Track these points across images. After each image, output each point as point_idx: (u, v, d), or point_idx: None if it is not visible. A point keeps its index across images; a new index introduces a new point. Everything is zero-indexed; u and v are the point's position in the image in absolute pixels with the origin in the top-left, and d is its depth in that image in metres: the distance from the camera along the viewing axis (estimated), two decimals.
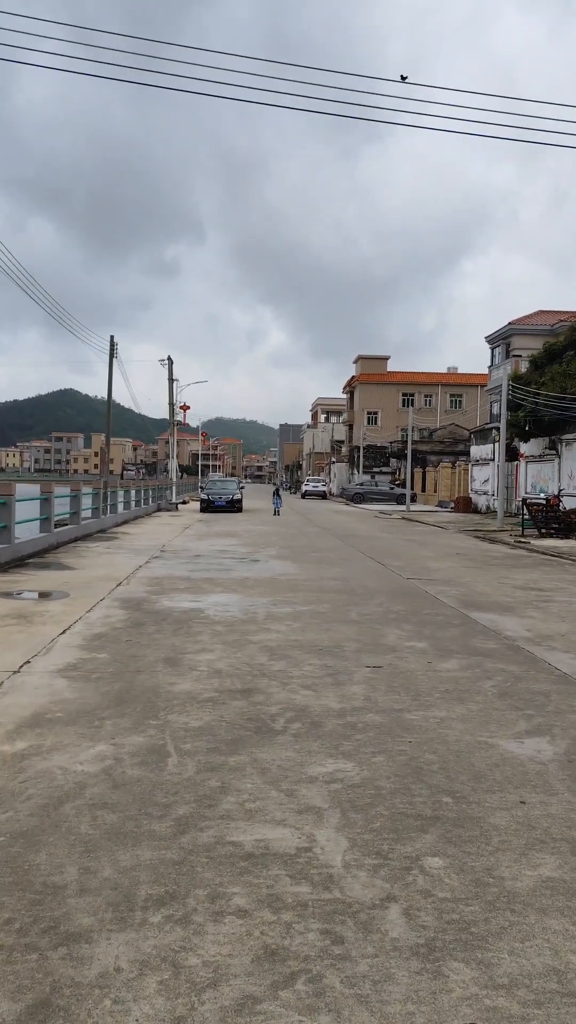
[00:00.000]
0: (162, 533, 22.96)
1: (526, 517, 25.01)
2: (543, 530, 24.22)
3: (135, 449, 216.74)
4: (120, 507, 28.40)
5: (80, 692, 5.93)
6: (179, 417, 48.99)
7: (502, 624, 9.20)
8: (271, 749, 4.72)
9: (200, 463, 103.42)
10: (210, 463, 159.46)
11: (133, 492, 31.47)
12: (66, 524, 20.13)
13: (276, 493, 36.54)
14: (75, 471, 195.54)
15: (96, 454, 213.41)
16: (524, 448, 34.70)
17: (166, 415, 52.41)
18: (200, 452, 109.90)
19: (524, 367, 38.12)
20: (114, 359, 33.66)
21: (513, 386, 29.11)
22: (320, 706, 5.66)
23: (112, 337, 33.85)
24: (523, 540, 22.04)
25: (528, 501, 25.63)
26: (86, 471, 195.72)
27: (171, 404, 49.14)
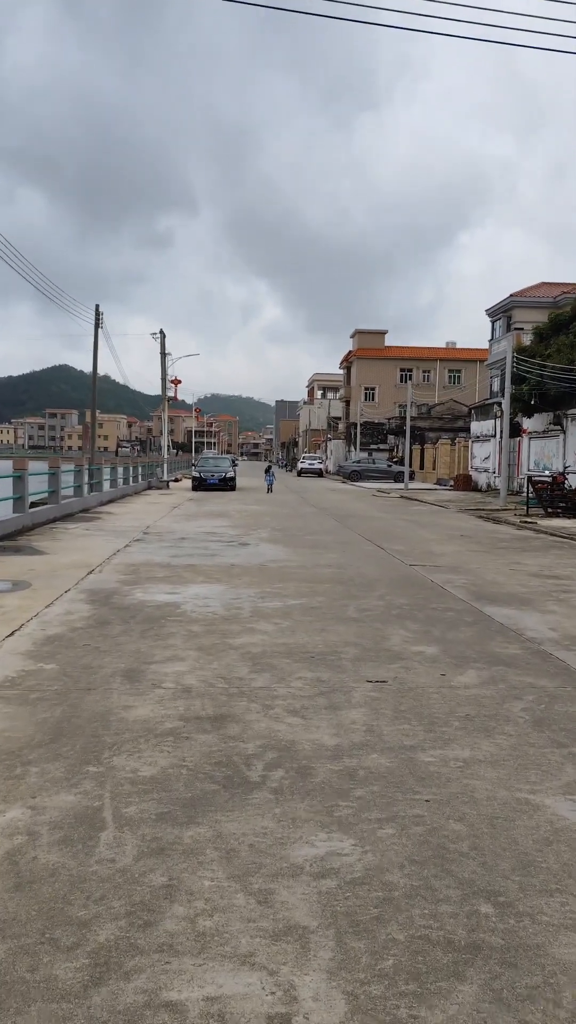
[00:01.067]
0: (148, 513, 21.73)
1: (531, 496, 23.82)
2: (549, 509, 23.04)
3: (130, 426, 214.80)
4: (106, 485, 27.14)
5: (9, 721, 4.73)
6: (170, 393, 47.54)
7: (522, 621, 8.01)
8: (243, 815, 3.52)
9: (194, 440, 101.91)
10: (204, 440, 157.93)
11: (120, 469, 30.18)
12: (45, 504, 18.89)
13: (268, 470, 36.54)
14: (69, 448, 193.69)
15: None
16: (527, 424, 33.42)
17: (160, 391, 50.97)
18: (194, 429, 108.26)
19: (527, 340, 36.73)
20: (99, 329, 32.22)
21: (518, 358, 27.78)
22: (310, 742, 4.47)
23: (97, 307, 32.40)
24: (529, 520, 20.86)
25: (533, 479, 24.43)
26: (80, 448, 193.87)
27: (163, 378, 47.69)
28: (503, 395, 36.98)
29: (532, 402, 27.50)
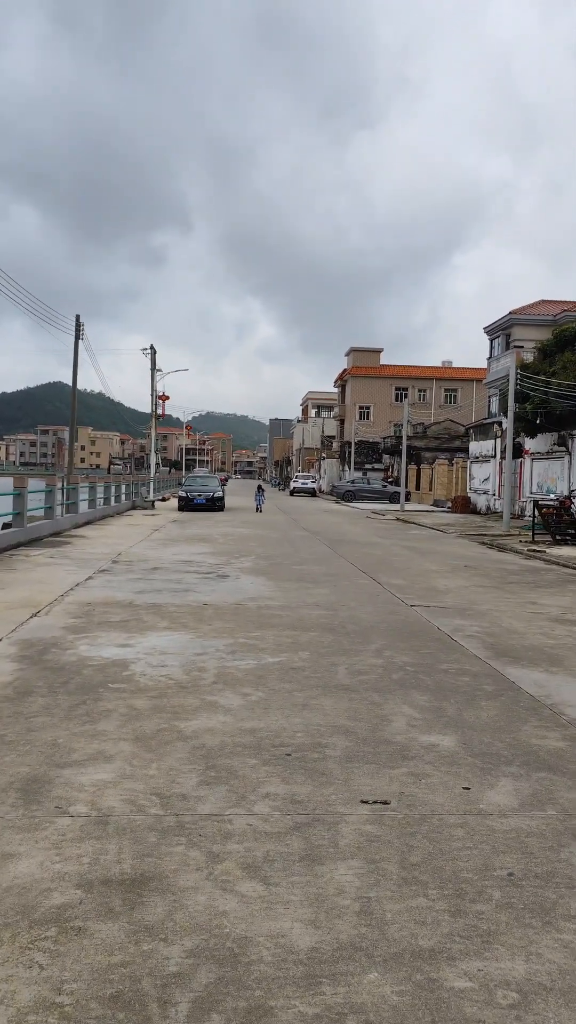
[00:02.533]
0: (125, 537, 20.07)
1: (537, 521, 22.25)
2: (558, 537, 21.46)
3: (123, 443, 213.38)
4: (84, 505, 25.49)
5: None
6: (159, 410, 46.06)
7: (557, 692, 6.38)
8: None
9: (186, 458, 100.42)
10: (196, 458, 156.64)
11: (101, 488, 28.53)
12: (10, 527, 17.25)
13: (259, 489, 35.96)
14: (62, 465, 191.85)
15: (83, 447, 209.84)
16: (529, 444, 31.96)
17: (162, 413, 49.51)
18: (185, 447, 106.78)
19: (529, 358, 35.37)
20: (80, 341, 30.68)
21: (521, 375, 26.34)
22: (272, 942, 2.82)
23: (77, 317, 30.83)
24: (537, 549, 19.27)
25: (539, 504, 22.87)
26: (58, 464, 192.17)
27: (153, 393, 46.22)
28: (503, 414, 35.59)
29: (538, 421, 26.02)
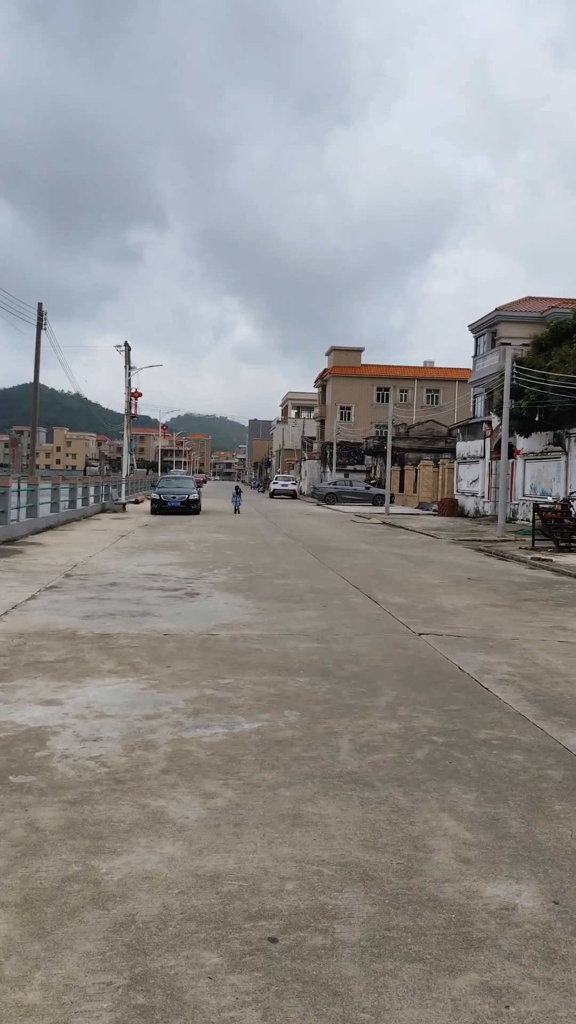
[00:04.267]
0: (87, 544, 18.04)
1: (538, 526, 20.52)
2: (561, 544, 19.74)
3: (99, 444, 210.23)
4: (46, 508, 23.41)
5: None
6: (131, 409, 43.98)
7: None
8: None
9: (162, 459, 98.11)
10: (174, 459, 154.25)
11: (65, 490, 26.43)
12: None
13: (237, 491, 35.17)
14: (37, 466, 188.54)
15: (59, 449, 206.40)
16: (522, 444, 30.30)
17: (135, 413, 47.38)
18: (162, 448, 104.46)
19: (519, 354, 33.79)
20: (43, 331, 28.55)
21: (518, 369, 24.64)
22: None
23: (40, 305, 28.67)
24: (541, 557, 17.52)
25: (540, 507, 21.16)
26: (47, 466, 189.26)
27: (128, 389, 44.15)
28: (493, 412, 33.96)
29: (537, 418, 24.31)
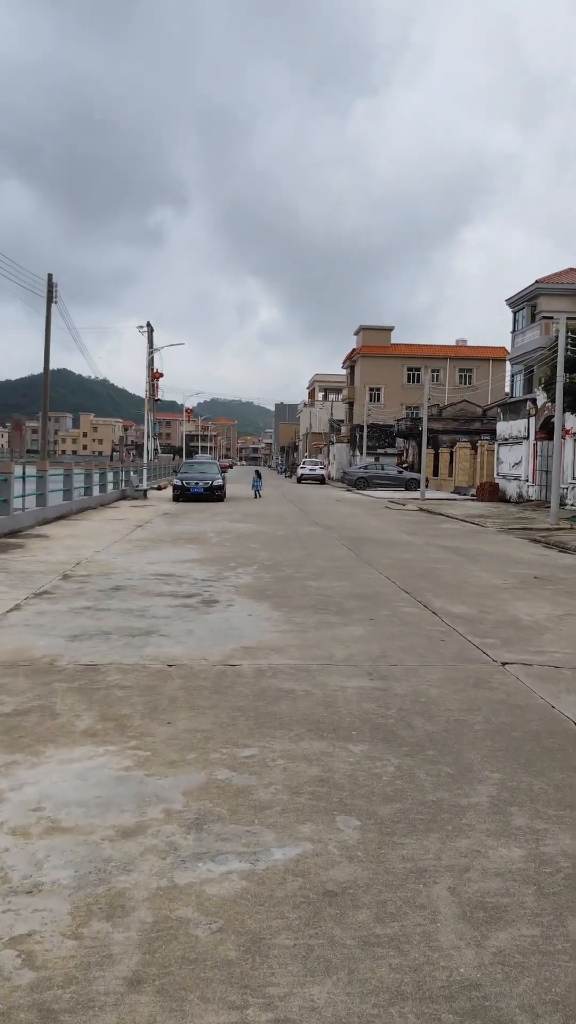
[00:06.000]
0: (98, 536, 16.24)
1: None
2: None
3: (126, 429, 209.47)
4: (58, 496, 21.68)
5: None
6: (154, 392, 42.18)
7: None
8: None
9: (188, 444, 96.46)
10: (200, 444, 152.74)
11: (80, 476, 24.69)
12: None
13: (257, 475, 35.21)
14: (63, 452, 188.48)
15: (85, 434, 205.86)
16: (571, 422, 27.95)
17: (158, 397, 45.65)
18: (187, 433, 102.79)
19: (554, 329, 31.31)
20: (53, 304, 26.68)
21: (572, 339, 22.31)
22: None
23: (50, 276, 26.72)
24: None
25: None
26: (74, 452, 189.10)
27: (150, 368, 42.32)
28: (537, 389, 31.58)
29: None
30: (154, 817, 3.56)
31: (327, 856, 3.25)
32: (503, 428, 36.30)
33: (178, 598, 9.18)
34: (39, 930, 2.70)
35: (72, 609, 8.38)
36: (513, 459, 34.36)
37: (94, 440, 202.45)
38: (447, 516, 24.98)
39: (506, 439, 35.44)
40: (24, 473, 17.92)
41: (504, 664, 6.48)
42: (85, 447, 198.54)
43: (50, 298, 26.58)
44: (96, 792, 3.81)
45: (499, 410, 39.89)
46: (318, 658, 6.49)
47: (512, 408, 36.45)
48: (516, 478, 33.76)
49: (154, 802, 3.71)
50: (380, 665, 6.31)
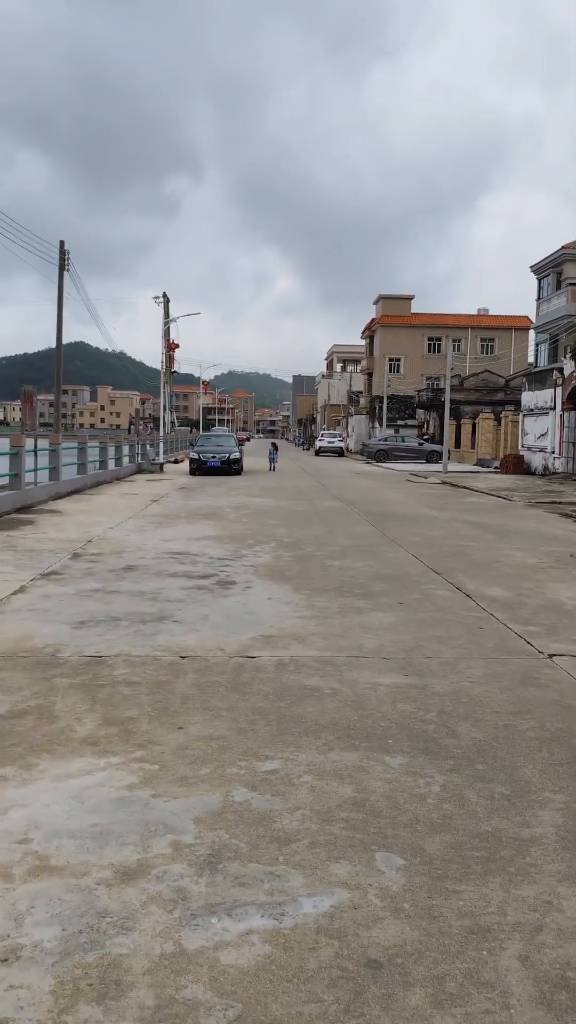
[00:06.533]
0: (112, 512, 15.73)
1: None
2: None
3: (143, 402, 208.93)
4: (72, 471, 21.20)
5: None
6: (169, 364, 41.49)
7: None
8: None
9: (204, 417, 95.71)
10: (217, 417, 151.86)
11: (95, 450, 24.18)
12: None
13: (273, 447, 35.01)
14: (80, 425, 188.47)
15: (103, 407, 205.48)
16: None
17: (174, 369, 44.98)
18: (205, 406, 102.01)
19: None
20: (66, 272, 25.97)
21: None
22: None
23: (62, 243, 26.01)
24: None
25: None
26: (92, 425, 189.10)
27: (166, 338, 41.61)
28: (566, 357, 30.55)
29: None
30: (160, 852, 3.02)
31: (367, 909, 2.69)
32: (528, 398, 35.29)
33: (193, 579, 8.63)
34: (12, 1018, 2.16)
35: (80, 592, 7.86)
36: (539, 430, 33.41)
37: (112, 413, 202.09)
38: (472, 489, 24.24)
39: (531, 410, 34.46)
40: (36, 446, 17.41)
41: (551, 656, 5.87)
42: (103, 420, 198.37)
43: (62, 266, 25.85)
44: (94, 818, 3.27)
45: (524, 380, 38.80)
46: (345, 649, 5.92)
47: (537, 378, 35.38)
48: (542, 450, 32.85)
49: (160, 832, 3.17)
50: (414, 658, 5.73)
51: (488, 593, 8.22)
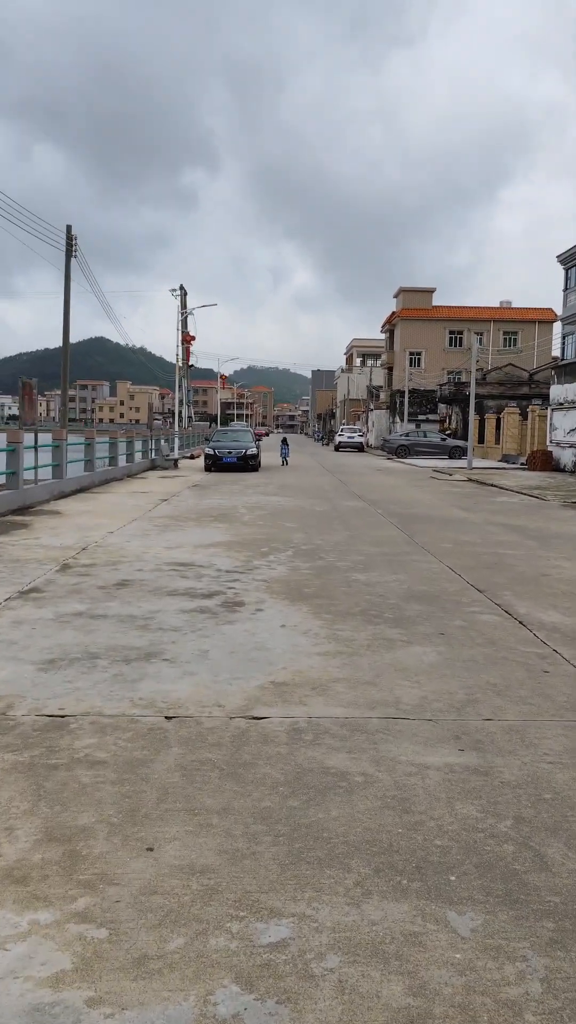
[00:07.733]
0: (115, 513, 14.51)
1: None
2: None
3: (162, 397, 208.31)
4: (79, 467, 20.04)
5: None
6: (186, 356, 40.29)
7: None
8: None
9: (223, 412, 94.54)
10: (236, 412, 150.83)
11: (104, 445, 23.01)
12: None
13: (284, 442, 34.84)
14: (100, 420, 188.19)
15: (122, 402, 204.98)
16: None
17: (181, 361, 43.77)
18: (223, 401, 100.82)
19: None
20: (73, 259, 24.79)
21: None
22: None
23: (69, 228, 24.86)
24: None
25: None
26: (111, 420, 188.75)
27: (183, 329, 40.40)
28: None
29: None
30: None
31: None
32: (557, 392, 33.70)
33: (195, 599, 7.36)
34: None
35: (59, 616, 6.61)
36: (569, 425, 31.83)
37: (131, 408, 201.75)
38: (500, 488, 22.81)
39: (560, 404, 32.87)
40: (36, 442, 16.23)
41: None
42: (122, 415, 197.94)
43: (69, 252, 24.66)
44: None
45: (552, 373, 37.20)
46: (378, 705, 4.61)
47: (568, 370, 33.79)
48: (572, 445, 31.28)
49: None
50: (468, 720, 4.41)
51: (544, 618, 6.87)
